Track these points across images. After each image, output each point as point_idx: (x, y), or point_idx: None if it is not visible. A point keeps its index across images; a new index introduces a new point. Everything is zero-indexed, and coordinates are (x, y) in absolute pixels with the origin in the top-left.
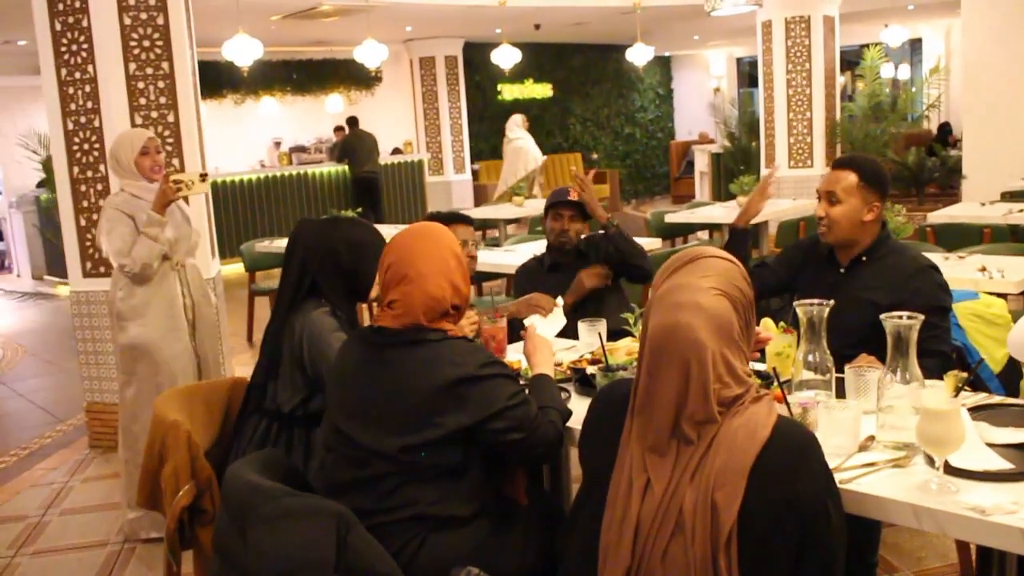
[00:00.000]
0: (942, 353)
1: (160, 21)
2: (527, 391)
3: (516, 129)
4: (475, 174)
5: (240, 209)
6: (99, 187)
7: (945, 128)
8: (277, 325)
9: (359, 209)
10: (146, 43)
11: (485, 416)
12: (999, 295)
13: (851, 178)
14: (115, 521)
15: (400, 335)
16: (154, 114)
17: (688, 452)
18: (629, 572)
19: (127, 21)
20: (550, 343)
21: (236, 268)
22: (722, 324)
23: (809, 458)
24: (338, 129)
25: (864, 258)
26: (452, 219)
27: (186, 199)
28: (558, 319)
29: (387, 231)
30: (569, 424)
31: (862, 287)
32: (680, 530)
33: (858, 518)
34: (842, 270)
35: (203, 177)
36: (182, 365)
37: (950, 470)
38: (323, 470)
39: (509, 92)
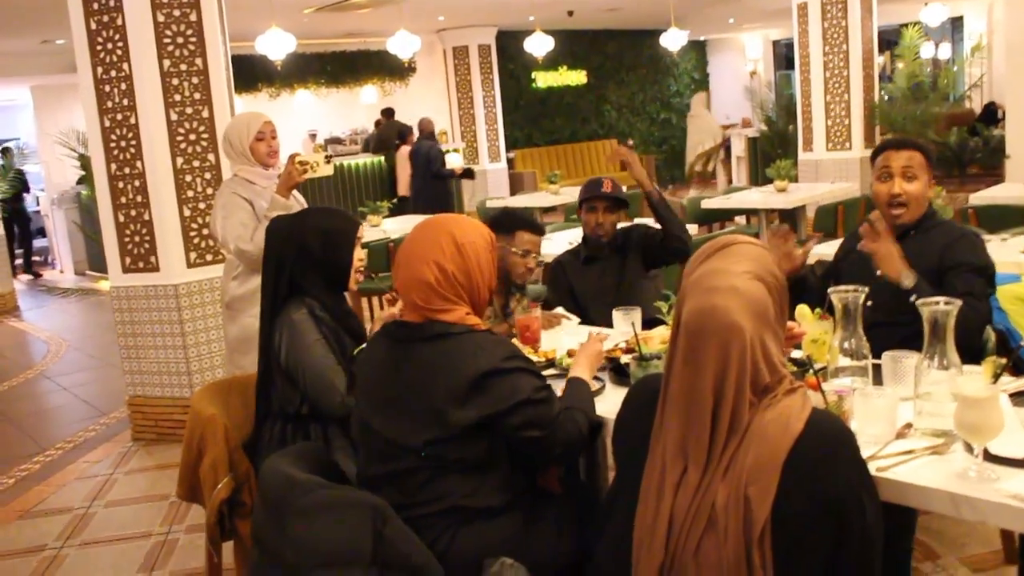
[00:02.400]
0: (970, 306)
1: (193, 18)
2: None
3: (695, 106)
4: (510, 163)
5: None
6: (136, 183)
7: (991, 108)
8: (264, 329)
9: (395, 200)
10: (180, 40)
11: (504, 408)
12: None
13: (919, 157)
14: (159, 512)
15: (423, 329)
16: (189, 110)
17: (720, 445)
18: (663, 568)
19: (160, 18)
20: (599, 353)
21: None
22: (759, 308)
23: (843, 452)
24: (379, 122)
25: (912, 232)
26: (518, 224)
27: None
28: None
29: None
30: (605, 415)
31: (910, 260)
32: (713, 526)
33: (891, 503)
34: None
35: (328, 159)
36: None
37: (990, 457)
38: (356, 465)
39: (543, 80)
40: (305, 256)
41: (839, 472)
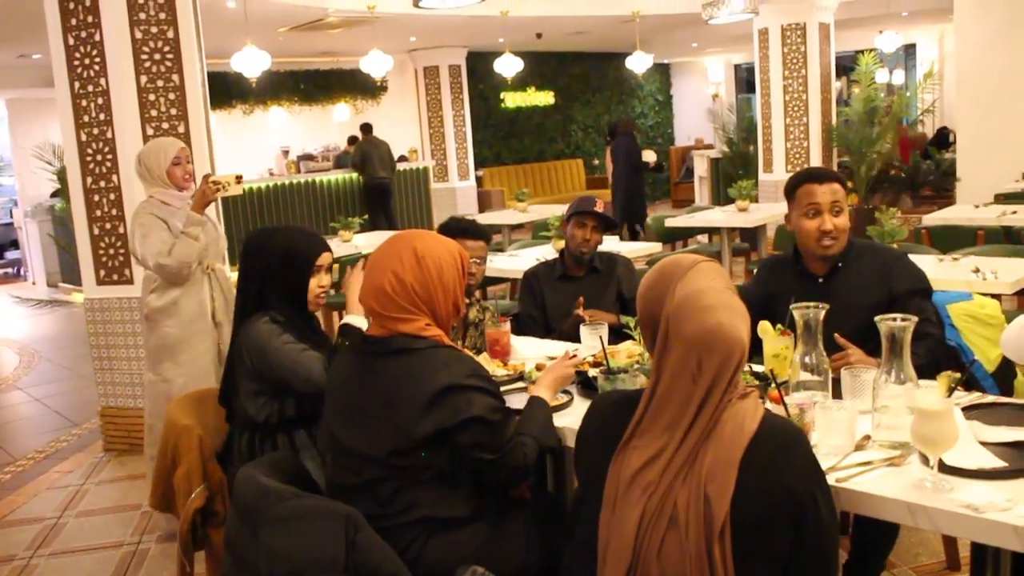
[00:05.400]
0: (931, 335)
1: (170, 35)
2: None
3: None
4: (479, 180)
5: (249, 217)
6: (112, 196)
7: (943, 132)
8: (232, 339)
9: (365, 216)
10: (157, 56)
11: (456, 423)
12: (993, 296)
13: (840, 189)
14: (130, 523)
15: (387, 343)
16: (165, 125)
17: (675, 444)
18: (630, 569)
19: (138, 35)
20: (569, 376)
21: None
22: (746, 320)
23: (796, 451)
24: (353, 140)
25: (840, 264)
26: (459, 231)
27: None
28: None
29: None
30: (574, 427)
31: (846, 291)
32: (675, 525)
33: (877, 523)
34: (820, 280)
35: (239, 179)
36: (204, 364)
37: (945, 468)
38: (325, 476)
39: (512, 100)
40: (266, 273)
41: (793, 469)
